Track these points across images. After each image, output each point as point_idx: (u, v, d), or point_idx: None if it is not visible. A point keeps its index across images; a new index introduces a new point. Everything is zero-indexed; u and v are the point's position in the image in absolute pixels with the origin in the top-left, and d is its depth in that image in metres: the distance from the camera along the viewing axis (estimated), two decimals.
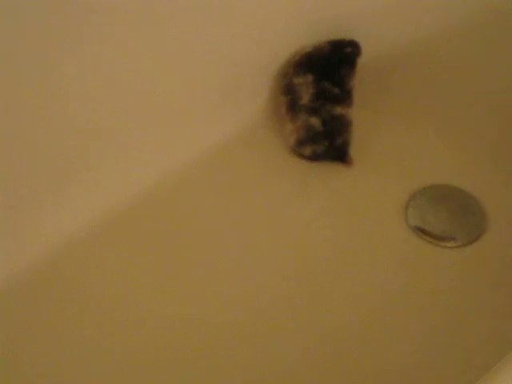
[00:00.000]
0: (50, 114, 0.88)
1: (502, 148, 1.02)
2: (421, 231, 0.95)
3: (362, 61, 1.05)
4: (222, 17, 0.98)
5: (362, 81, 1.05)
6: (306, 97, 1.03)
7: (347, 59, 1.04)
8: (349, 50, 1.04)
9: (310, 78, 1.03)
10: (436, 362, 0.82)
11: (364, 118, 1.06)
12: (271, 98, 1.11)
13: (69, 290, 0.89)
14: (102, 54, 0.89)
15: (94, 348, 0.84)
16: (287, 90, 1.05)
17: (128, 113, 0.97)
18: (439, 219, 0.97)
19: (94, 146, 0.95)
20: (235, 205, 1.00)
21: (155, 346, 0.84)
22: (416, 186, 1.00)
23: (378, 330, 0.86)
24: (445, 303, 0.88)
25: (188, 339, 0.85)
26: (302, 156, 1.05)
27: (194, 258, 0.93)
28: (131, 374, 0.82)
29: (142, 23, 0.91)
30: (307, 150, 1.03)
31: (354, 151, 1.04)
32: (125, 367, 0.82)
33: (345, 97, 1.03)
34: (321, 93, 1.02)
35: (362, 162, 1.04)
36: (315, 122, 1.02)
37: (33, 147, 0.89)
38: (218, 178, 1.03)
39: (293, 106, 1.04)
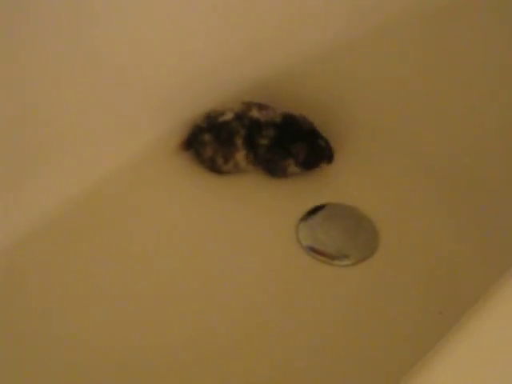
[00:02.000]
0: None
1: (396, 169, 1.03)
2: (313, 251, 0.93)
3: None
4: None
5: None
6: (257, 113, 1.00)
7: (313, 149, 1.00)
8: (322, 143, 1.01)
9: (278, 118, 1.00)
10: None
11: None
12: None
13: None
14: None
15: None
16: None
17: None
18: (332, 238, 0.95)
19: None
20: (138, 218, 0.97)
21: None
22: (308, 205, 0.99)
23: (265, 348, 0.83)
24: (339, 321, 0.86)
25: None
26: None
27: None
28: None
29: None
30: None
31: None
32: None
33: (259, 153, 1.00)
34: (258, 126, 0.99)
35: (260, 182, 1.02)
36: (227, 117, 0.99)
37: None
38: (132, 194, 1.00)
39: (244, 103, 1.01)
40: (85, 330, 0.83)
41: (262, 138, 0.99)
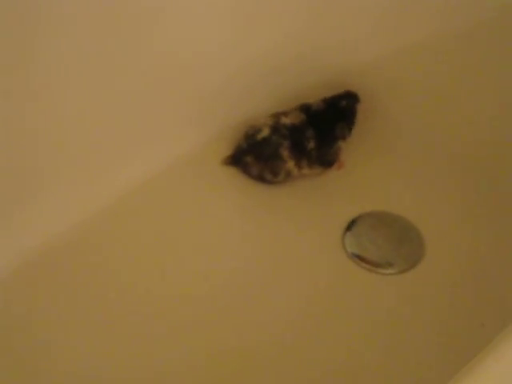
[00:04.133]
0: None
1: (445, 179, 1.03)
2: (358, 258, 0.94)
3: None
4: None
5: None
6: (287, 119, 1.00)
7: (342, 114, 1.02)
8: (344, 103, 1.02)
9: (302, 116, 1.01)
10: None
11: None
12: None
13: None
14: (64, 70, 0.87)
15: None
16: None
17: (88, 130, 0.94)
18: (377, 246, 0.96)
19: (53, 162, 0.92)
20: (177, 225, 0.97)
21: None
22: (355, 213, 1.00)
23: (316, 358, 0.83)
24: (381, 331, 0.87)
25: None
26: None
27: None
28: None
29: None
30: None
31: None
32: None
33: (310, 156, 1.00)
34: (297, 130, 1.00)
35: (307, 187, 1.03)
36: (264, 133, 0.99)
37: None
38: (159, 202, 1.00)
39: (275, 114, 1.02)
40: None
41: (307, 141, 1.00)
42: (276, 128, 0.99)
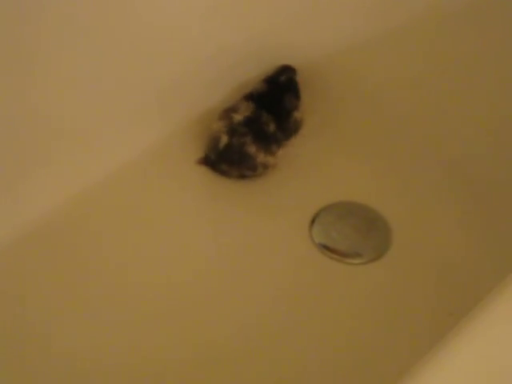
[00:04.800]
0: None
1: (410, 168, 1.02)
2: (326, 248, 0.94)
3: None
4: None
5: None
6: (239, 115, 0.98)
7: (286, 87, 1.01)
8: (283, 78, 1.01)
9: (251, 104, 0.99)
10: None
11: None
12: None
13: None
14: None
15: None
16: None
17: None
18: (344, 236, 0.96)
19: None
20: (141, 219, 0.96)
21: None
22: (322, 203, 0.99)
23: (282, 350, 0.83)
24: (350, 320, 0.86)
25: None
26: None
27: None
28: None
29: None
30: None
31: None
32: None
33: (277, 139, 0.99)
34: (252, 121, 0.98)
35: (275, 179, 1.02)
36: (223, 141, 0.98)
37: None
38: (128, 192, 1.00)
39: (225, 113, 1.00)
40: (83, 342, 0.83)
41: (267, 126, 0.99)
42: (232, 129, 0.98)
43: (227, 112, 1.00)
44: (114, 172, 0.99)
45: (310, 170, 1.04)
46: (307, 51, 1.04)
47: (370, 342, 0.84)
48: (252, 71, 1.05)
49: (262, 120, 0.98)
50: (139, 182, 1.00)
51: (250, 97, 1.01)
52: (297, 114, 1.01)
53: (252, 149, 0.98)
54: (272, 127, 0.99)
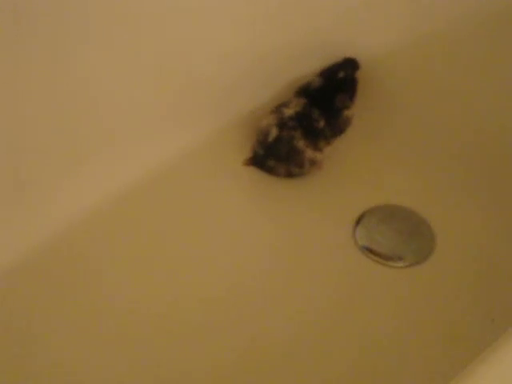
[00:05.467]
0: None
1: (456, 175, 1.02)
2: (369, 251, 0.94)
3: None
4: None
5: None
6: (289, 110, 1.00)
7: (341, 86, 1.01)
8: (341, 74, 1.01)
9: (302, 100, 1.00)
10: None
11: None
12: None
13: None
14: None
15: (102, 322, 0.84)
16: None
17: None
18: (387, 239, 0.96)
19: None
20: (189, 218, 0.98)
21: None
22: (366, 206, 1.00)
23: (325, 349, 0.84)
24: (390, 322, 0.87)
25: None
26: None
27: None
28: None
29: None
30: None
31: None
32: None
33: (326, 136, 1.00)
34: (302, 116, 0.99)
35: (320, 180, 1.03)
36: (273, 134, 0.99)
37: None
38: (177, 190, 1.01)
39: (276, 108, 1.01)
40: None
41: (317, 123, 1.00)
42: (282, 123, 0.99)
43: (278, 108, 1.01)
44: (161, 171, 1.01)
45: (356, 171, 1.05)
46: (368, 48, 1.03)
47: (410, 347, 0.85)
48: (311, 67, 1.04)
49: (312, 116, 0.99)
50: (185, 181, 1.02)
51: (303, 91, 1.01)
52: (347, 113, 1.02)
53: (300, 143, 0.99)
54: (321, 123, 1.00)
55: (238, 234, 0.97)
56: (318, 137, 1.00)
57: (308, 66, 1.05)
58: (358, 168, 1.05)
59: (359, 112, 1.04)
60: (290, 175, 1.02)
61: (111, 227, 0.96)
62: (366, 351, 0.84)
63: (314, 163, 1.01)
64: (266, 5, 1.00)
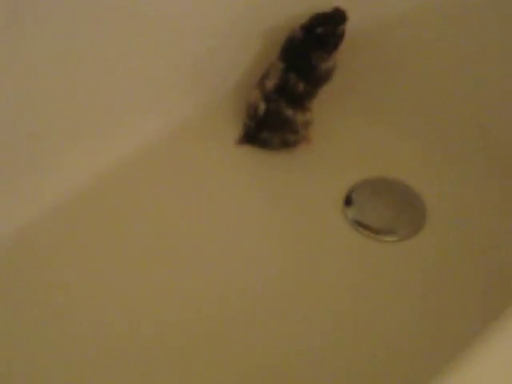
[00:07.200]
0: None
1: (449, 145, 1.01)
2: (360, 225, 0.93)
3: None
4: None
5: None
6: (270, 82, 0.98)
7: (319, 42, 0.96)
8: (320, 30, 0.95)
9: (280, 65, 0.98)
10: (378, 356, 0.81)
11: (326, 110, 1.02)
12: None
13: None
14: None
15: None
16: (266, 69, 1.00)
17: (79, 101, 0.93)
18: (378, 213, 0.95)
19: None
20: (177, 197, 0.96)
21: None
22: (356, 179, 0.98)
23: (319, 324, 0.84)
24: (384, 298, 0.86)
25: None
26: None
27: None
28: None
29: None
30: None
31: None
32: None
33: (308, 93, 0.98)
34: (281, 87, 0.97)
35: (308, 155, 1.01)
36: (262, 108, 0.98)
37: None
38: (163, 169, 0.99)
39: (260, 82, 0.99)
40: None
41: (296, 87, 0.97)
42: (267, 97, 0.97)
43: (262, 78, 1.00)
44: (148, 149, 0.99)
45: (346, 144, 1.03)
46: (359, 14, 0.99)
47: (404, 320, 0.84)
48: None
49: (289, 83, 0.97)
50: (174, 159, 1.00)
51: (285, 51, 0.98)
52: (324, 65, 0.97)
53: (289, 112, 0.97)
54: (301, 87, 0.97)
55: (229, 214, 0.95)
56: (302, 99, 0.98)
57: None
58: (348, 141, 1.03)
59: (351, 80, 1.02)
60: (284, 144, 1.00)
61: (102, 206, 0.94)
62: (363, 328, 0.84)
63: (306, 125, 0.99)
64: None
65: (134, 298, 0.85)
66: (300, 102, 0.98)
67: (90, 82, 0.92)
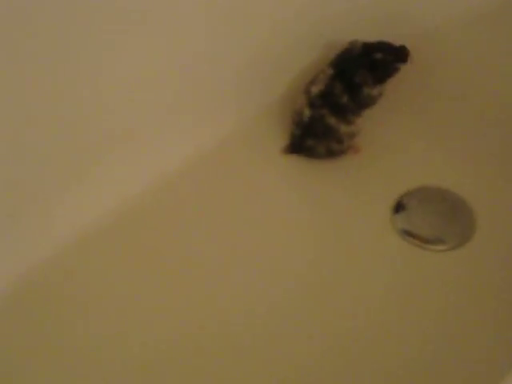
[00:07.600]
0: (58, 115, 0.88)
1: (497, 156, 1.00)
2: (408, 234, 0.93)
3: None
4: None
5: None
6: (315, 88, 0.99)
7: (371, 65, 0.97)
8: (378, 56, 0.97)
9: (329, 71, 0.99)
10: (430, 364, 0.80)
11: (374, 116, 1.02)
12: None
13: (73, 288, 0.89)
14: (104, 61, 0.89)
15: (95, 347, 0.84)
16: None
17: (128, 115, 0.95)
18: (427, 222, 0.95)
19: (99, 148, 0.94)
20: (225, 205, 0.98)
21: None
22: (405, 188, 0.98)
23: (368, 333, 0.84)
24: (434, 307, 0.86)
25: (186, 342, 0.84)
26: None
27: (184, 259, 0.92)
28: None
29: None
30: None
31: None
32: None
33: (352, 109, 0.98)
34: (326, 94, 0.98)
35: (354, 164, 1.02)
36: (306, 114, 0.99)
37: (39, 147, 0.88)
38: (214, 176, 1.01)
39: (306, 89, 1.00)
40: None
41: (340, 98, 0.97)
42: (311, 103, 0.98)
43: (308, 84, 1.00)
44: (195, 161, 1.01)
45: (394, 153, 1.03)
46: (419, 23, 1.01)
47: (455, 329, 0.84)
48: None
49: (334, 92, 0.97)
50: (222, 170, 1.01)
51: (337, 60, 0.99)
52: (368, 91, 0.98)
53: (332, 120, 0.98)
54: (344, 98, 0.98)
55: (277, 223, 0.96)
56: (344, 111, 0.98)
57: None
58: (396, 150, 1.03)
59: (398, 94, 1.01)
60: (330, 153, 1.01)
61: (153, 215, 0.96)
62: (412, 337, 0.83)
63: (351, 136, 1.00)
64: None
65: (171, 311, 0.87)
66: (343, 113, 0.98)
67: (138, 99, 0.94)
